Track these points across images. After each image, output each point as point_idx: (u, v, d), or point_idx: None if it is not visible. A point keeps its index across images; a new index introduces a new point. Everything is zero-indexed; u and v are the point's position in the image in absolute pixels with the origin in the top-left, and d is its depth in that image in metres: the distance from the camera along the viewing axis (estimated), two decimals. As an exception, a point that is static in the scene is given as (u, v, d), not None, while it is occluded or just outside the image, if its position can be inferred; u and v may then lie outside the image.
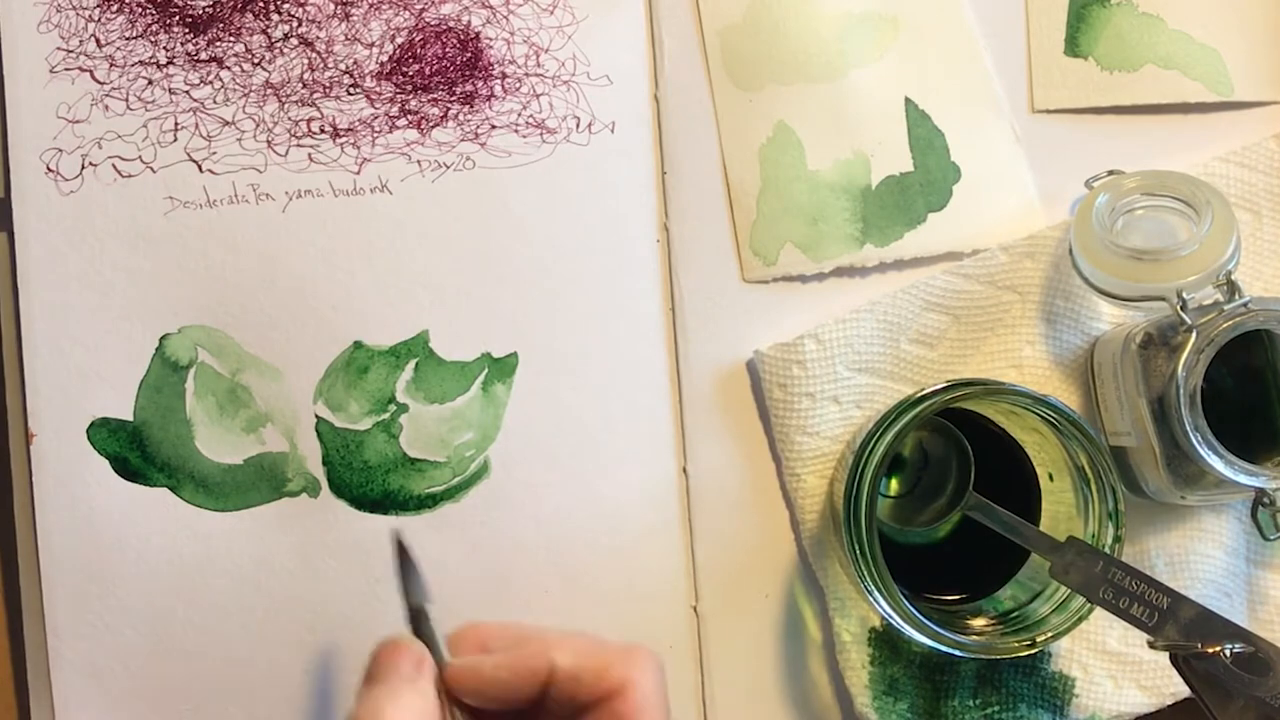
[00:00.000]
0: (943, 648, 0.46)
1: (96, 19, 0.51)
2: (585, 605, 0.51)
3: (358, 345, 0.51)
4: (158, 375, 0.50)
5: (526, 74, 0.52)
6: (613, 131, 0.52)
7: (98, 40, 0.51)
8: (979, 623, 0.49)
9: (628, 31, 0.53)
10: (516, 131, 0.52)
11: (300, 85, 0.51)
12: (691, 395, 0.52)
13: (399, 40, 0.51)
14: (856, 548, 0.46)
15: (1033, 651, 0.47)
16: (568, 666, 0.39)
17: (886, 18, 0.54)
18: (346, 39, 0.51)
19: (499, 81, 0.52)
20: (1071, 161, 0.53)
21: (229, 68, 0.51)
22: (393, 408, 0.51)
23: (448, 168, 0.51)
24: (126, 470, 0.50)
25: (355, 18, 0.51)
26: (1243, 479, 0.45)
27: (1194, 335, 0.46)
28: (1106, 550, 0.46)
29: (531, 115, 0.52)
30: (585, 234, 0.52)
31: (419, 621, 0.42)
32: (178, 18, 0.51)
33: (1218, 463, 0.45)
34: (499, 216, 0.51)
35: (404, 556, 0.45)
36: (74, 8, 0.51)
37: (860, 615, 0.51)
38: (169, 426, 0.50)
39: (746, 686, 0.51)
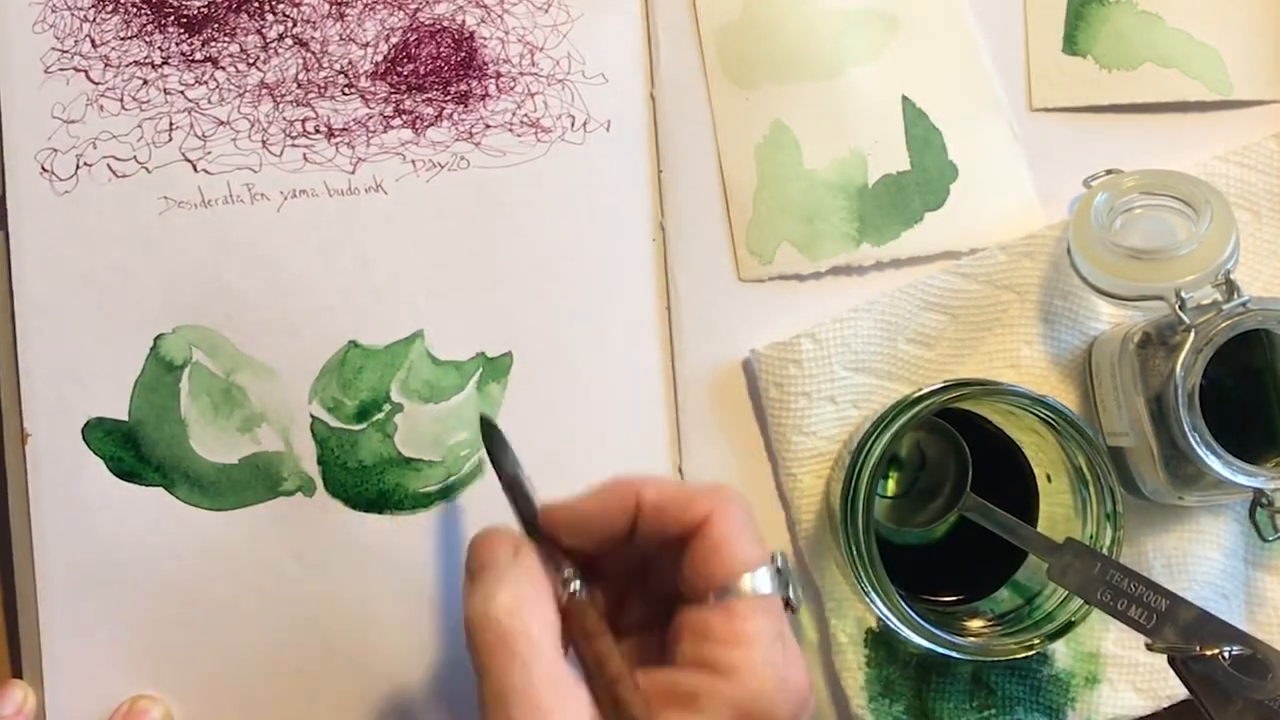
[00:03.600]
0: (939, 649, 0.46)
1: (91, 19, 0.51)
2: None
3: (353, 345, 0.51)
4: (152, 375, 0.50)
5: (521, 73, 0.52)
6: (608, 130, 0.52)
7: (93, 41, 0.51)
8: (976, 624, 0.49)
9: (623, 29, 0.52)
10: (511, 131, 0.51)
11: (295, 85, 0.51)
12: (687, 395, 0.52)
13: (393, 40, 0.51)
14: (853, 548, 0.46)
15: (1030, 654, 0.46)
16: (654, 499, 0.40)
17: (884, 15, 0.53)
18: (341, 39, 0.51)
19: (493, 81, 0.52)
20: (1070, 160, 0.53)
21: (224, 68, 0.51)
22: (388, 407, 0.51)
23: (442, 167, 0.51)
24: (122, 470, 0.50)
25: (350, 18, 0.51)
26: (1241, 479, 0.45)
27: (1192, 335, 0.45)
28: (1104, 552, 0.46)
29: (526, 114, 0.52)
30: (581, 233, 0.51)
31: (515, 489, 0.43)
32: (172, 18, 0.51)
33: (1216, 463, 0.45)
34: (494, 216, 0.51)
35: (492, 431, 0.46)
36: (69, 8, 0.51)
37: (857, 616, 0.51)
38: (164, 426, 0.50)
39: (743, 687, 0.51)
